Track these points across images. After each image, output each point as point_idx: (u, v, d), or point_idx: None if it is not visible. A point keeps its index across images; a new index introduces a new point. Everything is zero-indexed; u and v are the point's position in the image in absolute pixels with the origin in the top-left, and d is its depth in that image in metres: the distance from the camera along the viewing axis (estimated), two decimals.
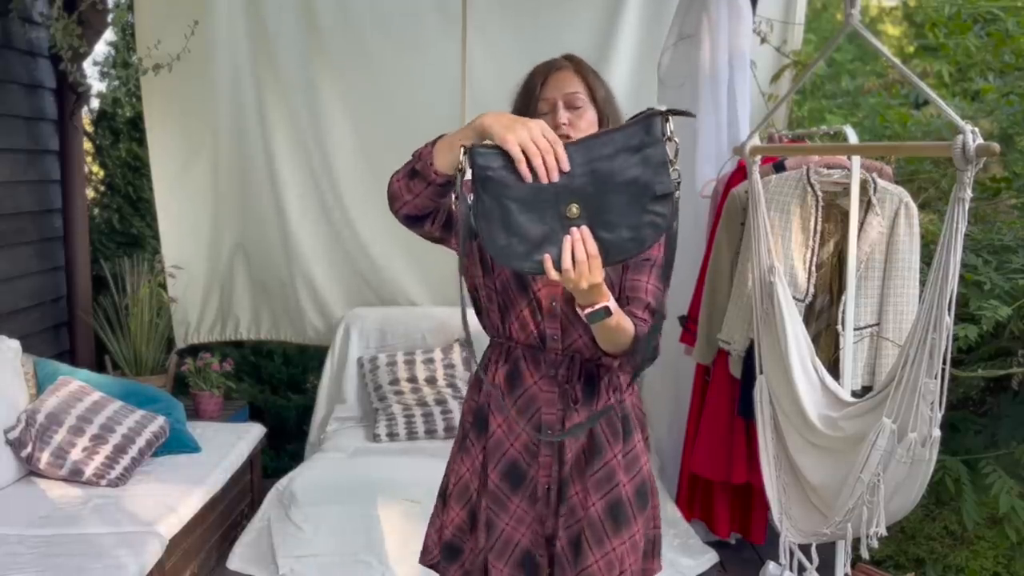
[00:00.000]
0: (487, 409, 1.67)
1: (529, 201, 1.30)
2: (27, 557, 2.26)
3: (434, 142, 1.43)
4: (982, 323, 2.43)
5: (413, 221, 1.53)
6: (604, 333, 1.46)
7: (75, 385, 3.01)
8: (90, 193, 4.54)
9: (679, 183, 1.33)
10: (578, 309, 1.42)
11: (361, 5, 3.68)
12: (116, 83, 4.55)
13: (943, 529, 2.83)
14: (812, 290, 2.62)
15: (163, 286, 3.92)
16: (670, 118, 1.32)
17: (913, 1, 3.72)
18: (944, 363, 1.88)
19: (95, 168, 4.68)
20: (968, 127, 1.81)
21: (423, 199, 1.46)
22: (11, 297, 3.52)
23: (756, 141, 2.60)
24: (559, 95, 1.58)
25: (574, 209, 1.29)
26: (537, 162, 1.29)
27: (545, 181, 1.30)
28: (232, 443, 3.28)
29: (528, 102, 1.60)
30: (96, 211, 4.62)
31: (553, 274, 1.30)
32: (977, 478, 2.63)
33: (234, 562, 2.96)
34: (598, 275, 1.32)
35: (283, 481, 3.05)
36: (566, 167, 1.30)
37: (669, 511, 3.02)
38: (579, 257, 1.30)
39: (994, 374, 2.68)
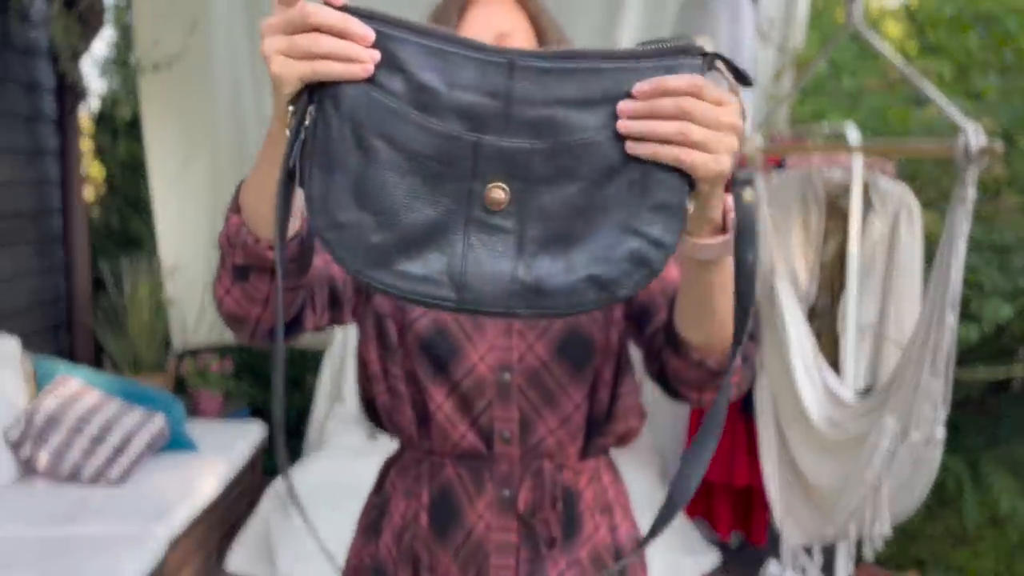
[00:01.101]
0: (390, 571, 1.07)
1: (417, 156, 0.68)
2: (26, 557, 2.25)
3: (236, 203, 0.84)
4: (982, 323, 2.43)
5: (287, 332, 0.96)
6: (718, 285, 0.84)
7: (74, 384, 3.00)
8: (90, 193, 4.53)
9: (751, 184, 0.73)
10: (702, 229, 0.77)
11: (360, 5, 3.68)
12: (116, 82, 4.54)
13: (944, 529, 2.83)
14: (814, 290, 2.61)
15: (161, 286, 3.91)
16: (720, 66, 0.69)
17: (914, 3, 3.72)
18: (948, 363, 1.88)
19: (95, 168, 4.67)
20: (970, 126, 1.81)
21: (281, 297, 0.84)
22: (10, 297, 3.52)
23: (757, 141, 2.59)
24: (487, 31, 1.01)
25: (499, 193, 0.68)
26: (321, 68, 0.66)
27: (356, 73, 0.66)
28: (232, 442, 3.27)
29: None
30: (96, 211, 4.61)
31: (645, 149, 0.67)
32: (978, 478, 2.63)
33: (234, 562, 2.96)
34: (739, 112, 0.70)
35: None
36: (367, 41, 0.66)
37: None
38: (696, 109, 0.67)
39: (996, 376, 2.68)
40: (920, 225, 2.53)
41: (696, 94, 0.66)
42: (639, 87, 0.67)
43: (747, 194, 0.71)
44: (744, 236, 0.72)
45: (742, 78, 0.70)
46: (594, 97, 0.68)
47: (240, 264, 0.86)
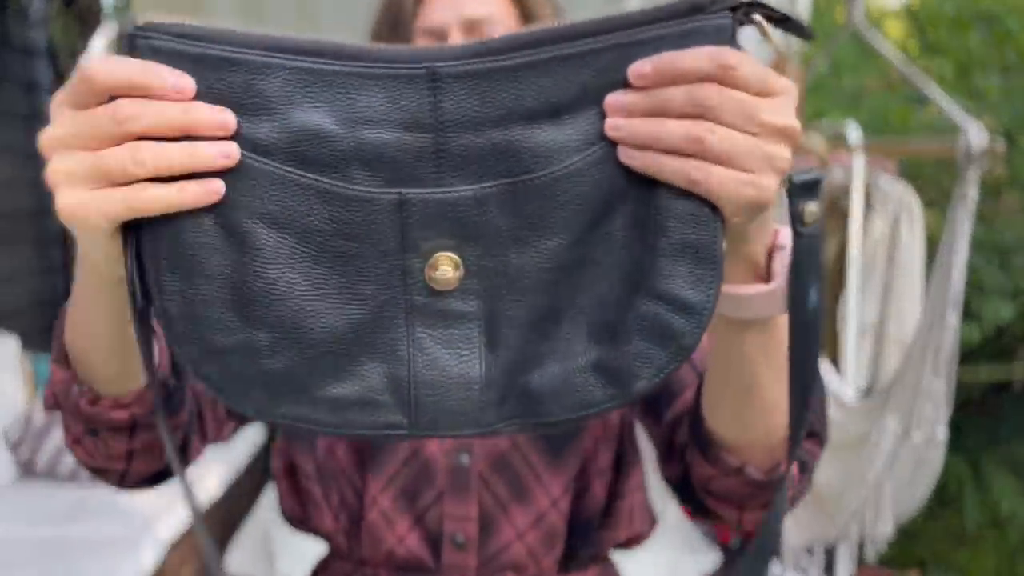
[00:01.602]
0: None
1: (315, 235, 0.47)
2: (26, 557, 2.25)
3: (60, 350, 0.60)
4: (983, 323, 2.43)
5: (168, 473, 0.71)
6: (764, 354, 0.57)
7: None
8: None
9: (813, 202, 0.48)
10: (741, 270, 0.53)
11: (363, 6, 3.67)
12: None
13: (945, 529, 2.83)
14: None
15: None
16: (760, 20, 0.46)
17: (915, 2, 3.72)
18: (950, 363, 1.88)
19: None
20: (971, 126, 1.81)
21: (149, 450, 0.66)
22: (10, 296, 3.51)
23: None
24: (454, 17, 0.77)
25: (446, 267, 0.47)
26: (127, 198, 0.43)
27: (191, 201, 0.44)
28: (232, 443, 3.27)
29: (393, 33, 0.81)
30: None
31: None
32: (979, 478, 2.63)
33: (234, 562, 2.95)
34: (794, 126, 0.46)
35: None
36: (221, 158, 0.44)
37: (672, 511, 3.03)
38: (724, 109, 0.44)
39: (997, 376, 2.67)
40: (921, 225, 2.53)
41: (722, 77, 0.43)
42: (636, 68, 0.44)
43: (809, 211, 0.47)
44: (803, 271, 0.48)
45: (800, 30, 0.46)
46: (566, 99, 0.46)
47: (93, 429, 0.63)
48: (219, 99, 0.45)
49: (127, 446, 0.65)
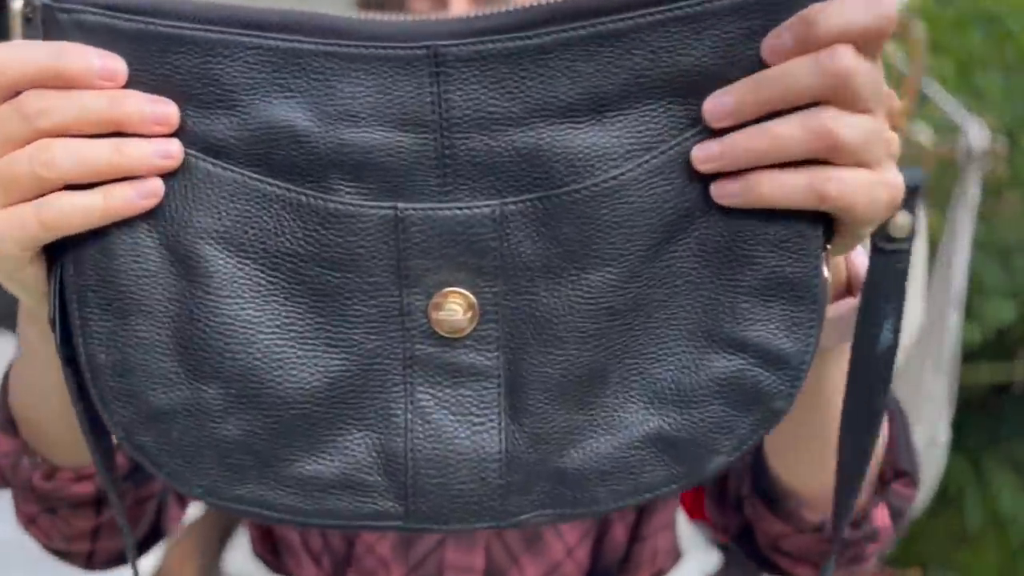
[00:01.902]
0: None
1: (285, 260, 0.36)
2: (24, 558, 2.25)
3: (4, 412, 0.54)
4: (983, 323, 2.43)
5: (146, 546, 0.70)
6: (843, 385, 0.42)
7: None
8: None
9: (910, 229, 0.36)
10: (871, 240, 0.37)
11: None
12: None
13: (946, 529, 2.84)
14: None
15: None
16: None
17: (916, 4, 3.73)
18: (952, 363, 1.88)
19: None
20: (972, 126, 1.81)
21: (120, 529, 0.57)
22: (10, 295, 3.52)
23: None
24: None
25: (454, 307, 0.35)
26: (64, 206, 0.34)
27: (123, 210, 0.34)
28: None
29: None
30: None
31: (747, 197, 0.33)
32: (980, 477, 2.63)
33: (233, 562, 2.96)
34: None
35: None
36: (163, 162, 0.34)
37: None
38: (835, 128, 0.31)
39: (997, 376, 2.68)
40: (923, 225, 2.53)
41: (877, 36, 0.31)
42: (772, 45, 0.32)
43: (900, 222, 0.36)
44: (881, 295, 0.38)
45: None
46: (612, 90, 0.35)
47: (50, 508, 0.56)
48: (164, 87, 0.35)
49: (93, 523, 0.57)
